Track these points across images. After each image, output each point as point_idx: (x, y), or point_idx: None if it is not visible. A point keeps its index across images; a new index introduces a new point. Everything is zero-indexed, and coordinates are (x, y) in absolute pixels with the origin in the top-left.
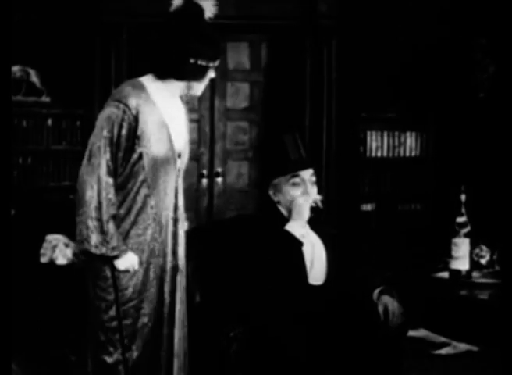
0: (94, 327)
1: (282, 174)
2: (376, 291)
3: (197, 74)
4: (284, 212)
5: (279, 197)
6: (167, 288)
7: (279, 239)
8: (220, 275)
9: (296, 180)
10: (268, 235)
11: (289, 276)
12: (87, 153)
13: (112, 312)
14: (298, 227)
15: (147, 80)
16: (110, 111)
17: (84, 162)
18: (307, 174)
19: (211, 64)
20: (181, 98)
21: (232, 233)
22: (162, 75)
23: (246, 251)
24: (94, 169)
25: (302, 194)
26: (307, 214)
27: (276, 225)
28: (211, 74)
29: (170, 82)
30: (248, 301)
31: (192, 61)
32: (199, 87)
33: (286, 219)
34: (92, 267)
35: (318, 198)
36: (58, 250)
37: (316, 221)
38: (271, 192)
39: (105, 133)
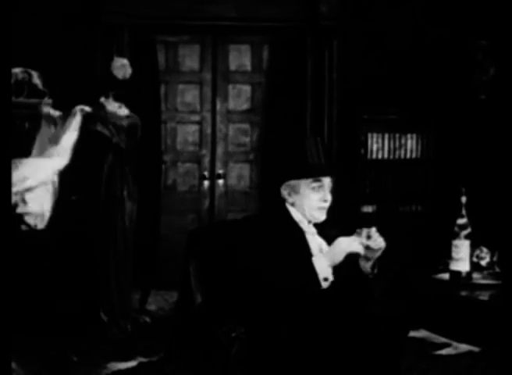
0: None
1: (304, 177)
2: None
3: None
4: (296, 213)
5: (294, 198)
6: None
7: (282, 233)
8: (222, 275)
9: (318, 184)
10: (271, 232)
11: (293, 268)
12: None
13: None
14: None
15: None
16: None
17: None
18: (328, 180)
19: None
20: None
21: (235, 233)
22: None
23: (248, 250)
24: None
25: (321, 200)
26: (322, 218)
27: (280, 223)
28: None
29: None
30: (250, 301)
31: None
32: None
33: (293, 220)
34: None
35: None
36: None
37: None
38: (285, 192)
39: None
